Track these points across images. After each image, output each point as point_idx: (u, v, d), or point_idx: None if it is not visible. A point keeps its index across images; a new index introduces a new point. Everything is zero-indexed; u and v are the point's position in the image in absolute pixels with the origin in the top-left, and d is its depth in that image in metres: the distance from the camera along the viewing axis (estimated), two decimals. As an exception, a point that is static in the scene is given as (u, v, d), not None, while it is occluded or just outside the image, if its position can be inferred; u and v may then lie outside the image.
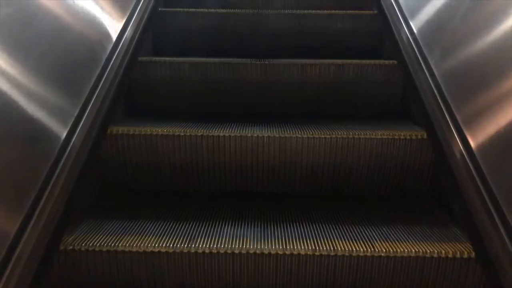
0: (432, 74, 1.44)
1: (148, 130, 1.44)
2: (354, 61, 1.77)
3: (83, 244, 1.12)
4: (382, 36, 2.09)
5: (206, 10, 2.10)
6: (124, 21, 1.70)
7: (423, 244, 1.15)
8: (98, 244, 1.13)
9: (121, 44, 1.61)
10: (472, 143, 1.14)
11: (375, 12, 2.12)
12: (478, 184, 1.10)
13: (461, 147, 1.18)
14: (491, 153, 1.09)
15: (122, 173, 1.50)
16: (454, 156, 1.23)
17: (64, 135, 1.17)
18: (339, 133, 1.43)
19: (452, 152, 1.24)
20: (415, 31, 1.65)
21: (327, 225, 1.27)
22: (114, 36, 1.59)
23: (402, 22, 1.77)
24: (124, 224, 1.25)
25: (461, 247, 1.13)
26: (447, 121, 1.28)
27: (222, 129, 1.46)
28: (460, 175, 1.19)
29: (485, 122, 1.13)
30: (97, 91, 1.38)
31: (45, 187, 1.05)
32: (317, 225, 1.26)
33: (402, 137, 1.43)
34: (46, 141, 1.10)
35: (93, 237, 1.16)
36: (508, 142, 1.02)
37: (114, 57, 1.54)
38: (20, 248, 0.93)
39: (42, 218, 1.02)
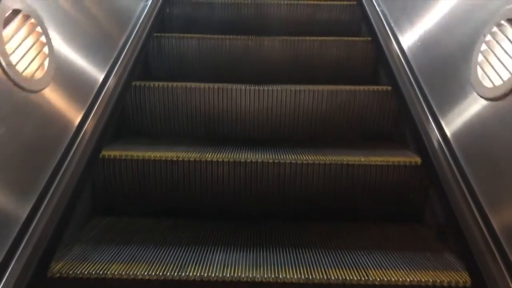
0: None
1: (140, 154, 1.43)
2: (348, 86, 1.78)
3: (70, 272, 1.09)
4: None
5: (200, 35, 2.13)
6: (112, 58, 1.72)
7: (418, 273, 1.13)
8: (86, 272, 1.10)
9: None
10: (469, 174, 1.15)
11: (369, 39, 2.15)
12: (473, 209, 1.10)
13: (458, 175, 1.18)
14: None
15: (113, 197, 1.48)
16: (448, 182, 1.23)
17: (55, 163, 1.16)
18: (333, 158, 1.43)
19: (445, 177, 1.24)
20: (409, 58, 1.68)
21: (320, 251, 1.25)
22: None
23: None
24: (114, 251, 1.22)
25: (456, 276, 1.11)
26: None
27: (216, 153, 1.46)
28: (456, 205, 1.19)
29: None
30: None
31: (33, 215, 1.04)
32: (310, 251, 1.24)
33: (396, 163, 1.44)
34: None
35: (81, 264, 1.13)
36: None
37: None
38: (6, 275, 0.91)
39: (29, 246, 1.01)
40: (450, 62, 1.33)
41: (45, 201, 1.09)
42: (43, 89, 1.10)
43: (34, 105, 1.06)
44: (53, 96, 1.16)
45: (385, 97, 1.78)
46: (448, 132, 1.30)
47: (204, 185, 1.45)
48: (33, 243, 1.03)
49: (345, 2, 2.51)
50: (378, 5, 2.11)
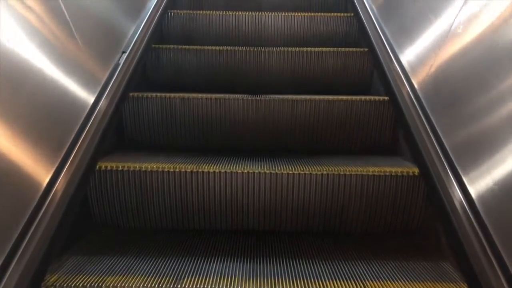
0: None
1: (137, 166, 1.42)
2: (345, 97, 1.79)
3: (65, 285, 1.08)
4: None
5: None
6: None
7: (416, 283, 1.12)
8: (81, 284, 1.09)
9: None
10: (469, 187, 1.14)
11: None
12: (472, 221, 1.09)
13: (458, 191, 1.18)
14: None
15: (109, 209, 1.47)
16: (449, 196, 1.22)
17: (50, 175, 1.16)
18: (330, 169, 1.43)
19: (447, 192, 1.24)
20: (405, 67, 1.68)
21: (317, 263, 1.24)
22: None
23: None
24: (110, 262, 1.21)
25: (454, 287, 1.11)
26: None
27: (213, 164, 1.45)
28: (456, 218, 1.19)
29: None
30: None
31: (29, 225, 1.03)
32: (307, 262, 1.23)
33: (393, 173, 1.43)
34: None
35: (77, 276, 1.12)
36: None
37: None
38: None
39: (25, 257, 1.00)
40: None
41: (40, 213, 1.09)
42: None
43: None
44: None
45: (382, 107, 1.79)
46: (446, 142, 1.30)
47: (201, 196, 1.44)
48: (28, 255, 1.01)
49: (342, 14, 2.53)
50: (375, 17, 2.13)
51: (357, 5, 2.43)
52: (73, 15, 1.36)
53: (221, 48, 2.12)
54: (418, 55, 1.62)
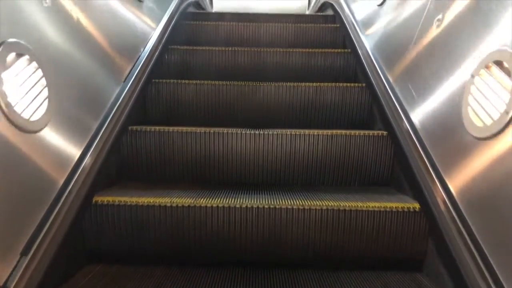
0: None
1: (134, 200, 1.40)
2: (344, 131, 1.79)
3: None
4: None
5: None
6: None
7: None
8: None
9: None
10: (470, 222, 1.12)
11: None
12: (474, 254, 1.07)
13: (460, 225, 1.16)
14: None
15: (106, 243, 1.44)
16: (450, 231, 1.20)
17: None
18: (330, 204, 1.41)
19: (447, 228, 1.22)
20: (403, 103, 1.70)
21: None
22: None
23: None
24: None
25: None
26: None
27: (210, 199, 1.43)
28: (457, 253, 1.16)
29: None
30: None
31: (21, 262, 1.01)
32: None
33: (394, 209, 1.41)
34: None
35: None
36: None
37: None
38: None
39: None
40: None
41: (34, 246, 1.06)
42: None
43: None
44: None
45: (381, 142, 1.79)
46: (446, 178, 1.28)
47: (198, 231, 1.41)
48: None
49: (340, 50, 2.58)
50: (372, 53, 2.16)
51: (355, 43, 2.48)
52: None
53: (220, 82, 2.14)
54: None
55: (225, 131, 1.78)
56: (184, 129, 1.78)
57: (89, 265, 1.41)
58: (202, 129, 1.77)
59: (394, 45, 1.90)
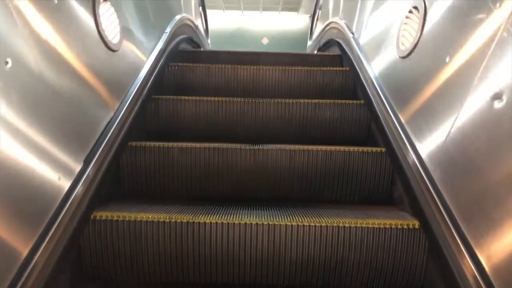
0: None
1: (132, 216, 1.40)
2: (342, 147, 1.80)
3: None
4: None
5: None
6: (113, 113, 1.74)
7: None
8: None
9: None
10: (470, 239, 1.12)
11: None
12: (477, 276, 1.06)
13: (460, 244, 1.15)
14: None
15: (103, 261, 1.42)
16: (450, 250, 1.19)
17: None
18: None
19: (448, 246, 1.21)
20: (402, 120, 1.70)
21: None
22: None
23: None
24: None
25: None
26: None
27: (209, 215, 1.43)
28: (458, 269, 1.16)
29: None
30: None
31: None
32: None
33: (393, 226, 1.41)
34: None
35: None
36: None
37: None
38: None
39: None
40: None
41: (29, 268, 1.05)
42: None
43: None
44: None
45: (380, 158, 1.79)
46: (446, 194, 1.28)
47: (197, 248, 1.40)
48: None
49: (339, 68, 2.61)
50: (371, 71, 2.18)
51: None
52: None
53: (219, 99, 2.15)
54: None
55: (225, 147, 1.78)
56: (184, 144, 1.78)
57: (85, 284, 1.40)
58: (202, 145, 1.78)
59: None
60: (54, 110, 1.22)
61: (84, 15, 1.43)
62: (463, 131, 1.21)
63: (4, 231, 0.97)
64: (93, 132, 1.51)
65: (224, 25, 12.58)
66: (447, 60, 1.33)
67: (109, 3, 1.63)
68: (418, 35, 1.56)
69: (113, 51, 1.66)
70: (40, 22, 1.14)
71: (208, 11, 5.75)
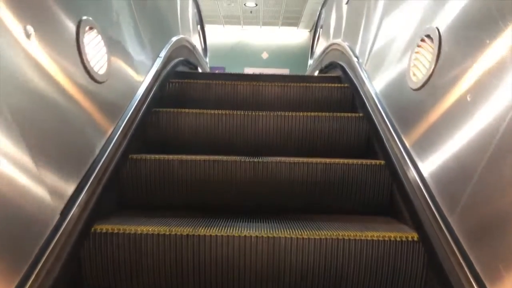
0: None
1: (133, 228, 1.40)
2: (342, 160, 1.81)
3: None
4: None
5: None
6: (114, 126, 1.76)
7: None
8: None
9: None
10: (469, 253, 1.12)
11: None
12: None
13: (459, 256, 1.15)
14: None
15: (102, 272, 1.42)
16: (449, 263, 1.20)
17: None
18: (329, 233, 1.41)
19: (446, 258, 1.21)
20: (400, 132, 1.72)
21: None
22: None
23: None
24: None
25: None
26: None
27: (209, 228, 1.43)
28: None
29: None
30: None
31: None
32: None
33: (392, 238, 1.41)
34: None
35: None
36: None
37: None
38: None
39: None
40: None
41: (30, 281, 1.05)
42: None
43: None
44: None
45: (379, 171, 1.80)
46: (442, 205, 1.29)
47: (197, 260, 1.40)
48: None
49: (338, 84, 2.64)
50: (370, 84, 2.20)
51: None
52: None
53: (219, 111, 2.17)
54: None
55: (224, 159, 1.79)
56: (184, 157, 1.80)
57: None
58: (202, 157, 1.79)
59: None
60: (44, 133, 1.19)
61: (67, 46, 1.33)
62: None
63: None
64: (84, 160, 1.46)
65: (224, 40, 12.72)
66: (458, 95, 1.29)
67: (95, 31, 1.50)
68: (432, 67, 1.45)
69: (99, 82, 1.53)
70: (18, 57, 1.06)
71: (207, 26, 5.80)
